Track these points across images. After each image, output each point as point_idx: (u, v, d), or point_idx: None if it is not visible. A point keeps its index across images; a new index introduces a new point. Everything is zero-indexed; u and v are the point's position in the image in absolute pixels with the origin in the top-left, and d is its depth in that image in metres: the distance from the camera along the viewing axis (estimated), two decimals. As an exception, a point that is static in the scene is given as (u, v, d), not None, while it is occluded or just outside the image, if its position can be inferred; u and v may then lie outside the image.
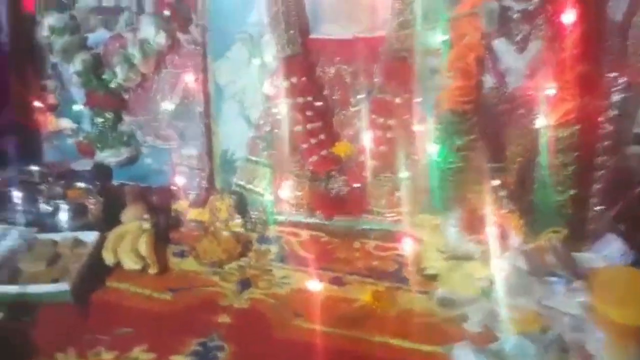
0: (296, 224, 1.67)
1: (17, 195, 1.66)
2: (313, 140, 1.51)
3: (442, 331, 1.27)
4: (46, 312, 1.35)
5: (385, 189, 1.56)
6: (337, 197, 1.57)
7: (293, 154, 1.60)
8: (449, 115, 1.29)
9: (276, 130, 1.60)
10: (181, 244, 1.62)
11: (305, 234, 1.65)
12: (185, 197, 1.72)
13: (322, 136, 1.52)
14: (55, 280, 1.41)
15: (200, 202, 1.69)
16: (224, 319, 1.33)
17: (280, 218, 1.66)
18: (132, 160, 1.83)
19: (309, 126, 1.51)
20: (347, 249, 1.58)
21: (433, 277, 1.37)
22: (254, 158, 1.66)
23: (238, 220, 1.66)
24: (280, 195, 1.64)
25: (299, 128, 1.51)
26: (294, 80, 1.50)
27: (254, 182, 1.67)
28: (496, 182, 1.31)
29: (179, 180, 1.75)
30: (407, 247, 1.53)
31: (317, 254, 1.55)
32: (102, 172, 1.82)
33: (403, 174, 1.48)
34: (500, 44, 1.28)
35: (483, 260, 1.30)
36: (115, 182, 1.85)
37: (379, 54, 1.48)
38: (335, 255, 1.56)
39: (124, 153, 1.80)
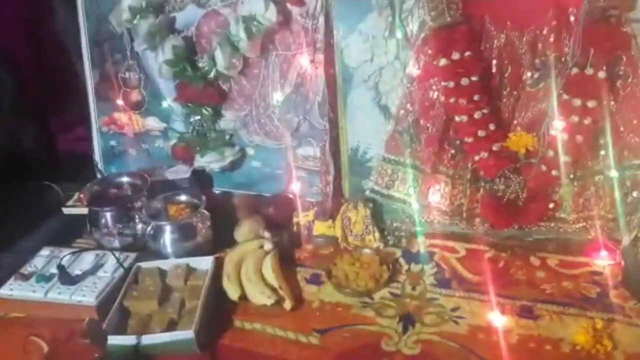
0: (449, 236, 1.39)
1: (109, 214, 1.44)
2: (481, 133, 1.22)
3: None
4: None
5: (570, 189, 1.26)
6: (510, 202, 1.28)
7: (445, 150, 1.31)
8: None
9: (423, 122, 1.31)
10: (310, 266, 1.37)
11: (461, 247, 1.37)
12: (307, 208, 1.45)
13: (492, 126, 1.22)
14: (172, 324, 1.18)
15: (328, 213, 1.43)
16: (396, 369, 1.07)
17: (429, 229, 1.39)
18: (236, 164, 1.58)
19: (476, 114, 1.21)
20: (524, 267, 1.29)
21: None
22: (393, 157, 1.38)
23: (377, 233, 1.39)
24: (428, 202, 1.36)
25: (462, 118, 1.22)
26: (455, 56, 1.20)
27: (394, 186, 1.39)
28: None
29: (297, 187, 1.49)
30: (605, 263, 1.25)
31: (488, 275, 1.27)
32: (202, 180, 1.58)
33: (612, 172, 1.18)
34: None
35: None
36: (216, 191, 1.61)
37: (571, 15, 1.16)
38: (512, 276, 1.27)
39: (228, 156, 1.55)
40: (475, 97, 1.21)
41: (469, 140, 1.23)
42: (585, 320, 1.11)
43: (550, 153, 1.19)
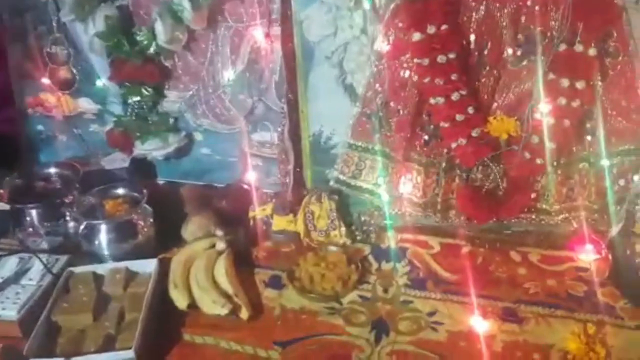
0: (422, 230, 1.27)
1: (35, 211, 1.26)
2: (459, 117, 1.10)
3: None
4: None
5: (554, 178, 1.16)
6: (490, 193, 1.17)
7: (418, 136, 1.19)
8: None
9: (394, 104, 1.18)
10: (270, 267, 1.23)
11: (435, 242, 1.26)
12: (264, 200, 1.31)
13: (470, 109, 1.10)
14: (110, 340, 1.02)
15: (288, 207, 1.29)
16: (370, 387, 0.95)
17: (400, 222, 1.27)
18: (182, 151, 1.42)
19: (454, 96, 1.09)
20: (504, 264, 1.19)
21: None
22: (360, 143, 1.25)
23: (343, 228, 1.26)
24: (399, 193, 1.24)
25: (438, 100, 1.10)
26: (430, 30, 1.07)
27: (361, 175, 1.26)
28: None
29: (253, 177, 1.35)
30: (591, 258, 1.16)
31: (466, 274, 1.16)
32: (143, 170, 1.42)
33: (601, 159, 1.09)
34: None
35: None
36: (160, 182, 1.45)
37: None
38: (492, 273, 1.18)
39: (173, 142, 1.39)
40: (453, 77, 1.09)
41: (446, 125, 1.11)
42: (575, 325, 1.02)
43: (535, 139, 1.08)
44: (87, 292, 1.11)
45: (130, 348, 0.97)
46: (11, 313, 1.07)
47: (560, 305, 1.08)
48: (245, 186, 1.36)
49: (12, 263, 1.18)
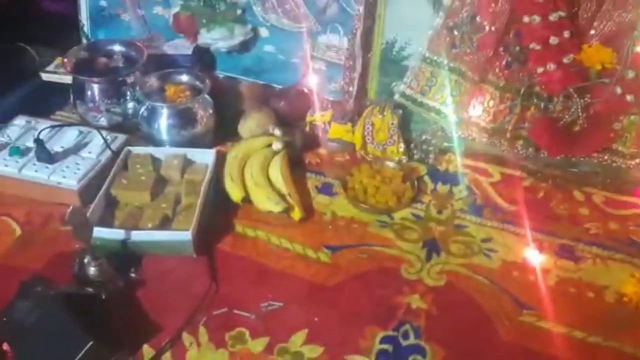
0: (483, 157, 1.24)
1: (97, 86, 1.25)
2: (553, 40, 1.03)
3: None
4: (153, 267, 1.00)
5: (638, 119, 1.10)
6: (567, 127, 1.11)
7: (500, 56, 1.12)
8: None
9: (481, 18, 1.11)
10: (322, 173, 1.22)
11: (496, 171, 1.22)
12: (324, 106, 1.27)
13: (566, 34, 1.03)
14: (166, 220, 1.05)
15: (348, 116, 1.25)
16: (416, 302, 0.95)
17: (462, 147, 1.23)
18: (246, 46, 1.38)
19: (552, 16, 1.01)
20: (566, 202, 1.16)
21: None
22: (435, 57, 1.19)
23: (402, 145, 1.23)
24: (468, 115, 1.19)
25: (534, 18, 1.02)
26: None
27: (430, 92, 1.21)
28: None
29: (314, 81, 1.31)
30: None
31: (526, 206, 1.14)
32: (204, 61, 1.38)
33: None
34: None
35: None
36: (220, 75, 1.42)
37: None
38: (552, 210, 1.15)
39: (238, 35, 1.34)
40: (553, -6, 1.01)
41: (537, 47, 1.05)
42: (634, 270, 1.00)
43: (630, 74, 1.02)
44: (145, 172, 1.13)
45: (187, 230, 0.99)
46: (72, 182, 1.10)
47: (620, 249, 1.06)
48: (305, 90, 1.32)
49: (71, 135, 1.20)
